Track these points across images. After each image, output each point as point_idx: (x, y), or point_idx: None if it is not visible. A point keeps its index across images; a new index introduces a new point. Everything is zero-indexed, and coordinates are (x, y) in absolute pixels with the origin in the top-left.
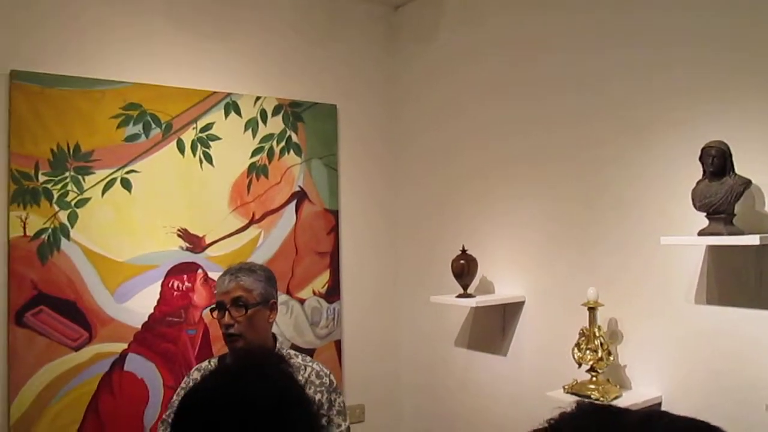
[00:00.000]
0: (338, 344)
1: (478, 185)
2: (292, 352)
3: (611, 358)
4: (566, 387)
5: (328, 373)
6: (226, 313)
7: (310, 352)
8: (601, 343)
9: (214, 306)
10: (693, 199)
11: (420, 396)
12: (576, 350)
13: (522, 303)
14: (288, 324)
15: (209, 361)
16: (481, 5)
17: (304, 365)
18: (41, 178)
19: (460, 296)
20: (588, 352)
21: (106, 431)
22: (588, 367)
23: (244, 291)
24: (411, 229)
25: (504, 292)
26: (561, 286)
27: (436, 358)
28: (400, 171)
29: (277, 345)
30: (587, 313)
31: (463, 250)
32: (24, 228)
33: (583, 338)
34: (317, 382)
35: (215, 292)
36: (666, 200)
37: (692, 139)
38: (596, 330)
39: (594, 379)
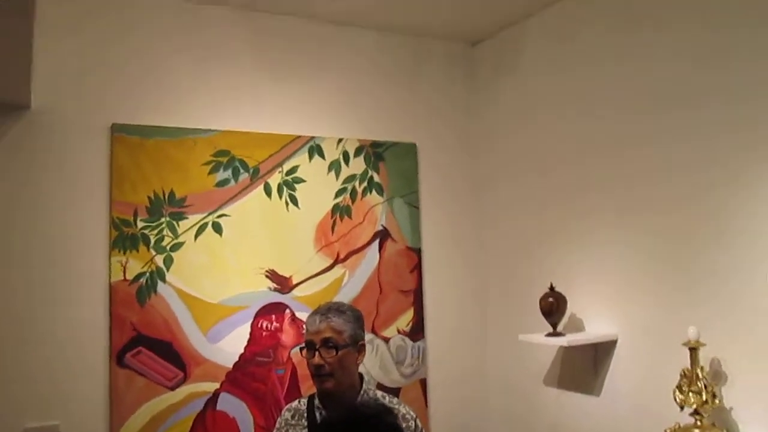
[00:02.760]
0: (423, 383)
1: (566, 217)
2: (380, 393)
3: (717, 400)
4: (669, 431)
5: (414, 416)
6: (316, 353)
7: (395, 391)
8: (705, 385)
9: (303, 345)
10: None
11: None
12: (678, 392)
13: (615, 341)
14: (374, 363)
15: (299, 401)
16: (562, 40)
17: (383, 404)
18: (139, 224)
19: (549, 335)
20: (691, 394)
21: None
22: (691, 410)
23: (334, 332)
24: (496, 266)
25: (595, 329)
26: (657, 324)
27: (524, 397)
28: (483, 207)
29: (364, 386)
30: (688, 352)
31: (552, 288)
32: (124, 272)
33: (684, 380)
34: (402, 425)
35: (305, 331)
36: None
37: None
38: (699, 371)
39: (699, 423)
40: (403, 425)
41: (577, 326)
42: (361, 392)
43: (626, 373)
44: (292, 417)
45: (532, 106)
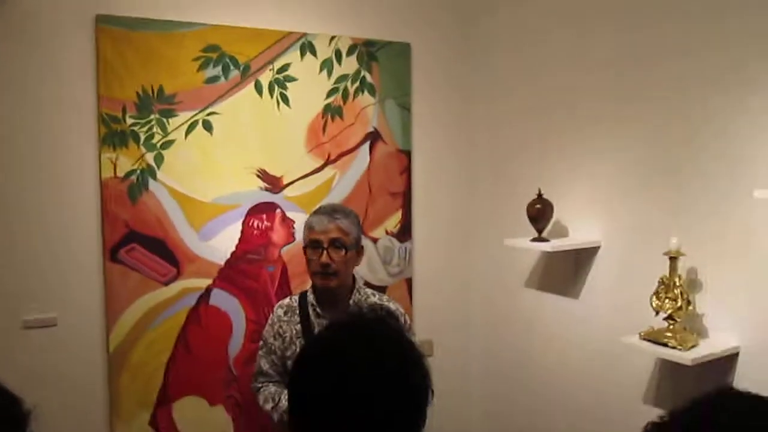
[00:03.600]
0: (409, 282)
1: (558, 125)
2: (369, 290)
3: (690, 307)
4: (642, 333)
5: (403, 312)
6: (324, 252)
7: (382, 290)
8: (681, 293)
9: (306, 244)
10: None
11: (488, 333)
12: (654, 298)
13: (597, 248)
14: (362, 262)
15: (290, 298)
16: None
17: (381, 304)
18: (128, 121)
19: (534, 240)
20: (667, 300)
21: (194, 359)
22: (665, 315)
23: (342, 233)
24: (485, 171)
25: (579, 236)
26: (639, 232)
27: (506, 297)
28: (475, 111)
29: (356, 284)
30: (667, 261)
31: (539, 195)
32: (114, 169)
33: (662, 287)
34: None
35: (308, 229)
36: (761, 150)
37: None
38: (676, 279)
39: (671, 327)
40: None
41: (561, 232)
42: (354, 290)
43: (606, 277)
44: (285, 313)
45: (530, 16)
